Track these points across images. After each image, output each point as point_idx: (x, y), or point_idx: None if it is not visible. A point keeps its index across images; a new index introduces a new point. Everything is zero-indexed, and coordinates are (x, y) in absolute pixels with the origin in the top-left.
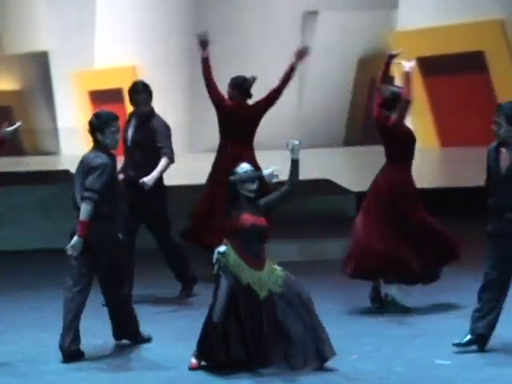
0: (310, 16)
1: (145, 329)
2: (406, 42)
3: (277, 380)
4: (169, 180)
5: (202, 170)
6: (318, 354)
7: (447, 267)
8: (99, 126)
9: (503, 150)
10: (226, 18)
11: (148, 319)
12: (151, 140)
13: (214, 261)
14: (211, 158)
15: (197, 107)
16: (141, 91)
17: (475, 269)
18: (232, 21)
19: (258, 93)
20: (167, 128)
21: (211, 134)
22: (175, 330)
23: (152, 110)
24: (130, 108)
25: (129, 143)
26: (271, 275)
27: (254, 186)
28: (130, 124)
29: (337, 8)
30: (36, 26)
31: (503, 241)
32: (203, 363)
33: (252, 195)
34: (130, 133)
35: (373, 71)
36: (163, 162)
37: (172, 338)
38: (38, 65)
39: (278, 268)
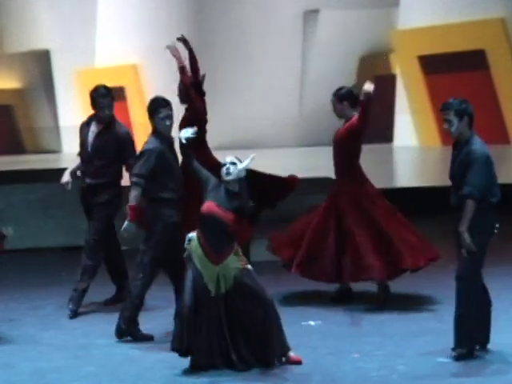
0: (312, 14)
1: (147, 327)
2: (407, 40)
3: (278, 378)
4: None
5: None
6: (264, 355)
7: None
8: (149, 111)
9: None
10: (228, 15)
11: (149, 317)
12: (114, 147)
13: (185, 245)
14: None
15: None
16: (106, 95)
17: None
18: (234, 17)
19: (261, 88)
20: (131, 136)
21: (214, 131)
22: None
23: (113, 115)
24: (133, 107)
25: (89, 149)
26: (224, 271)
27: (230, 177)
28: (89, 129)
29: (338, 6)
30: (38, 24)
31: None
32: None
33: (230, 188)
34: (90, 138)
35: (374, 69)
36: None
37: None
38: (40, 63)
39: (234, 265)
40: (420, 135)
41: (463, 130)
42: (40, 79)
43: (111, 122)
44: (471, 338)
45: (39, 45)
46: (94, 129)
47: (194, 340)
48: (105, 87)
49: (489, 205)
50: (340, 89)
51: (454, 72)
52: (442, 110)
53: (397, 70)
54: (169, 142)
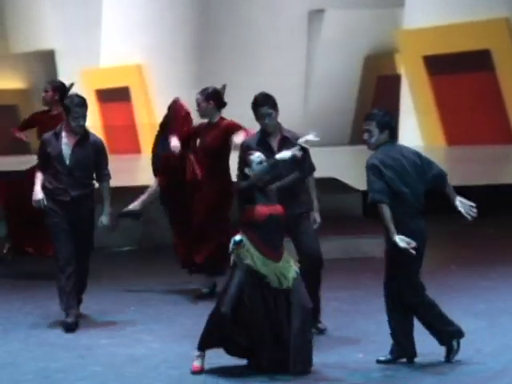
0: (317, 14)
1: (152, 327)
2: (412, 40)
3: (280, 378)
4: None
5: None
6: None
7: (455, 266)
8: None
9: None
10: (233, 15)
11: (155, 317)
12: (93, 157)
13: (230, 250)
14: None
15: None
16: (82, 104)
17: (479, 267)
18: (239, 17)
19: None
20: (105, 146)
21: None
22: (182, 328)
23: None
24: (137, 107)
25: (67, 162)
26: (284, 268)
27: (269, 177)
28: (59, 141)
29: (343, 6)
30: (42, 24)
31: None
32: (206, 367)
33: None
34: (65, 151)
35: (379, 69)
36: (107, 194)
37: (178, 336)
38: (45, 63)
39: (290, 262)
40: (425, 135)
41: (382, 143)
42: (45, 79)
43: (87, 132)
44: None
45: (44, 45)
46: (66, 141)
47: (226, 341)
48: (80, 97)
49: (404, 211)
50: (207, 88)
51: (459, 72)
52: (364, 119)
53: (402, 70)
54: None
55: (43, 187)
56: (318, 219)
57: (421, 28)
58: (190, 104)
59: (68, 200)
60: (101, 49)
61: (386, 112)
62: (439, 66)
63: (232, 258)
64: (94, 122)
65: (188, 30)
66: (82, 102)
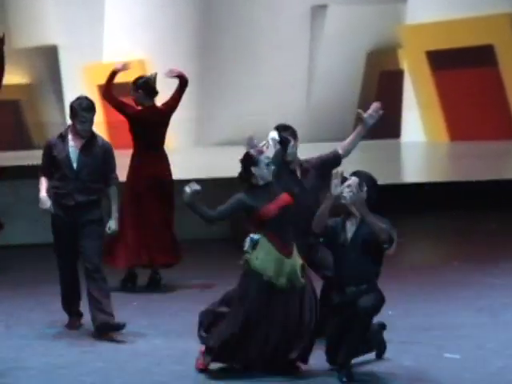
0: (319, 10)
1: (154, 322)
2: (415, 35)
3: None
4: (177, 173)
5: (211, 164)
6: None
7: (458, 262)
8: None
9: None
10: (236, 12)
11: (157, 313)
12: (100, 161)
13: (246, 248)
14: (220, 151)
15: (206, 101)
16: (90, 108)
17: (481, 263)
18: (242, 14)
19: (269, 84)
20: (112, 149)
21: (220, 127)
22: (185, 323)
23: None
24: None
25: (74, 166)
26: (294, 264)
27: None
28: (65, 144)
29: (346, 2)
30: (45, 20)
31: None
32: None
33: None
34: (72, 154)
35: (382, 65)
36: (115, 198)
37: (181, 331)
38: (47, 59)
39: (299, 259)
40: (427, 130)
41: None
42: (47, 74)
43: (94, 135)
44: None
45: (47, 40)
46: (73, 144)
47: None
48: (89, 100)
49: None
50: (139, 78)
51: (462, 67)
52: (277, 128)
53: (404, 66)
54: None
55: (47, 192)
56: None
57: (424, 23)
58: (194, 99)
59: (72, 204)
60: (103, 44)
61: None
62: (442, 62)
63: (244, 258)
64: (96, 118)
65: (190, 27)
66: (89, 107)
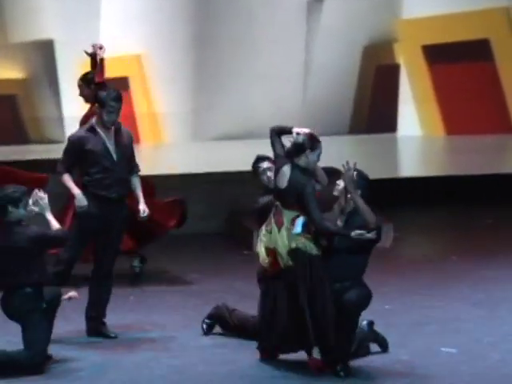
0: (316, 4)
1: (151, 316)
2: (411, 29)
3: (281, 366)
4: (174, 168)
5: (208, 159)
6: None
7: (455, 256)
8: None
9: None
10: (233, 5)
11: (155, 307)
12: (130, 153)
13: (298, 231)
14: (217, 146)
15: (203, 95)
16: (119, 98)
17: (479, 256)
18: (239, 7)
19: (265, 77)
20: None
21: (217, 122)
22: (182, 317)
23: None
24: (136, 97)
25: (114, 156)
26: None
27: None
28: (99, 137)
29: None
30: (41, 14)
31: None
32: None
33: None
34: (109, 145)
35: (378, 58)
36: (139, 184)
37: (178, 325)
38: (44, 53)
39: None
40: (424, 124)
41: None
42: (44, 69)
43: (119, 126)
44: None
45: (43, 35)
46: (105, 135)
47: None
48: (116, 90)
49: None
50: (87, 73)
51: (459, 62)
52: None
53: (401, 60)
54: None
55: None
56: None
57: (420, 17)
58: (191, 93)
59: (114, 197)
60: (100, 39)
61: None
62: (438, 56)
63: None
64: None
65: (186, 20)
66: (118, 96)
